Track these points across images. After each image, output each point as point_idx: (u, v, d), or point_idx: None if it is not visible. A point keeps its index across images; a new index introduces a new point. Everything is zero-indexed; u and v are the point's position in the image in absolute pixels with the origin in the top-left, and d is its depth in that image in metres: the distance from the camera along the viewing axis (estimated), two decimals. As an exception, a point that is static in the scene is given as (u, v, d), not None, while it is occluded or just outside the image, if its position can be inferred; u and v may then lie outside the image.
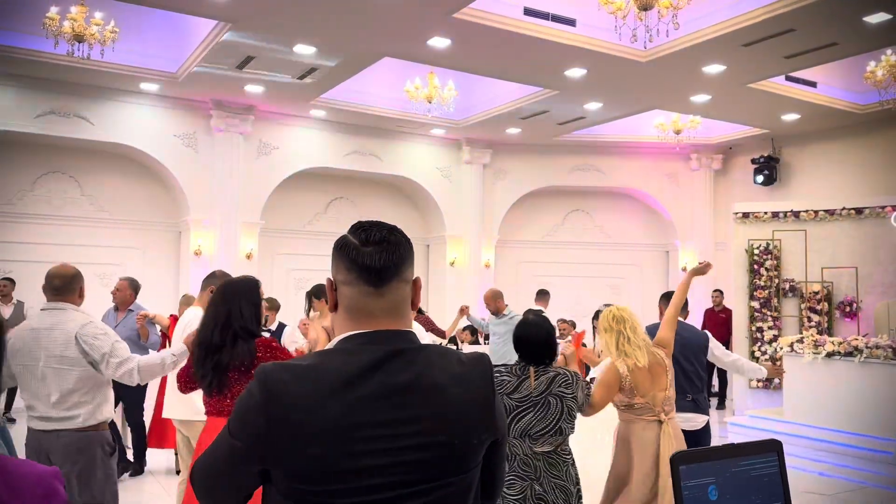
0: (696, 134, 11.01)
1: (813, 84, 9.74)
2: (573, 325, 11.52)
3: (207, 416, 3.38)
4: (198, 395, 3.60)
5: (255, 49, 8.17)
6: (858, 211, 10.08)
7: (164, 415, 5.17)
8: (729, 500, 1.64)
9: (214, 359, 3.23)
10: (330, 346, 1.41)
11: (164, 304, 10.36)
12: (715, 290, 11.42)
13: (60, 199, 10.22)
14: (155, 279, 10.66)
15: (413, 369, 1.37)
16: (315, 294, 6.69)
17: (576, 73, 8.66)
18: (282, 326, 6.71)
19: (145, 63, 9.14)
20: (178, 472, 6.16)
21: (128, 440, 6.71)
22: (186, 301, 7.13)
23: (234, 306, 3.31)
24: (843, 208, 10.16)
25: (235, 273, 10.27)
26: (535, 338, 3.40)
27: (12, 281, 8.89)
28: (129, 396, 6.30)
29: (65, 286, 3.50)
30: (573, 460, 3.40)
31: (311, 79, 9.13)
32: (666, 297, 4.67)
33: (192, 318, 4.31)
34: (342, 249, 1.43)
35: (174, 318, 6.38)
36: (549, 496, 3.25)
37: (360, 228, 1.45)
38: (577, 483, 3.40)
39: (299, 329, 6.52)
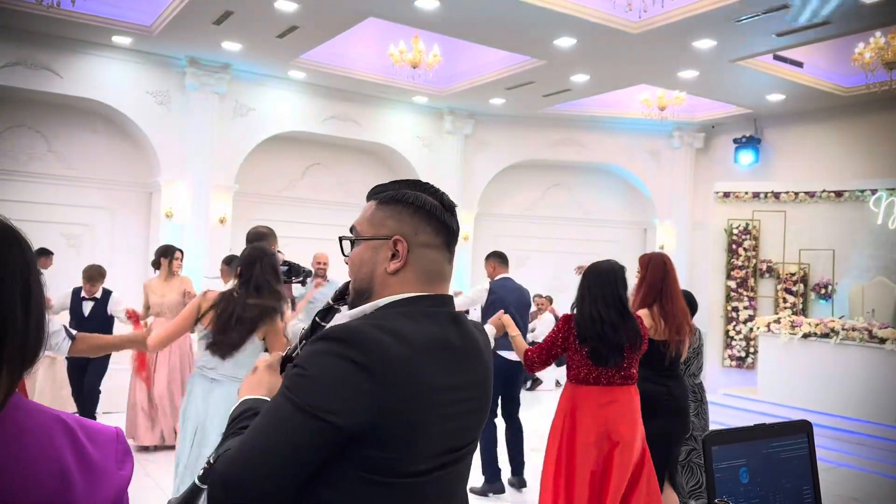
0: (680, 112, 10.93)
1: (800, 64, 9.68)
2: (550, 300, 11.50)
3: (612, 386, 3.57)
4: None
5: (235, 3, 7.85)
6: (838, 194, 10.11)
7: None
8: (760, 484, 1.53)
9: (616, 340, 3.52)
10: (386, 303, 1.34)
11: (133, 266, 10.10)
12: None
13: (26, 154, 9.81)
14: (124, 241, 10.37)
15: (468, 335, 1.40)
16: (163, 254, 6.55)
17: (565, 42, 8.48)
18: (107, 293, 6.47)
19: (118, 15, 8.75)
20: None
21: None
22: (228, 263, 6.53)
23: (612, 288, 3.57)
24: (824, 191, 10.19)
25: (211, 235, 9.95)
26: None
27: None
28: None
29: None
30: None
31: (291, 37, 8.83)
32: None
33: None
34: (429, 210, 1.39)
35: None
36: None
37: (429, 189, 1.43)
38: None
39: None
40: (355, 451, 1.20)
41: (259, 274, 3.58)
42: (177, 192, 10.13)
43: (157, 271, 6.59)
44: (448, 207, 1.43)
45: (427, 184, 1.45)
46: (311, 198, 11.92)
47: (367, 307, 1.35)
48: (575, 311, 3.66)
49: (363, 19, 8.23)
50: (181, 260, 6.66)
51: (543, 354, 3.63)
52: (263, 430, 1.19)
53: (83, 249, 10.03)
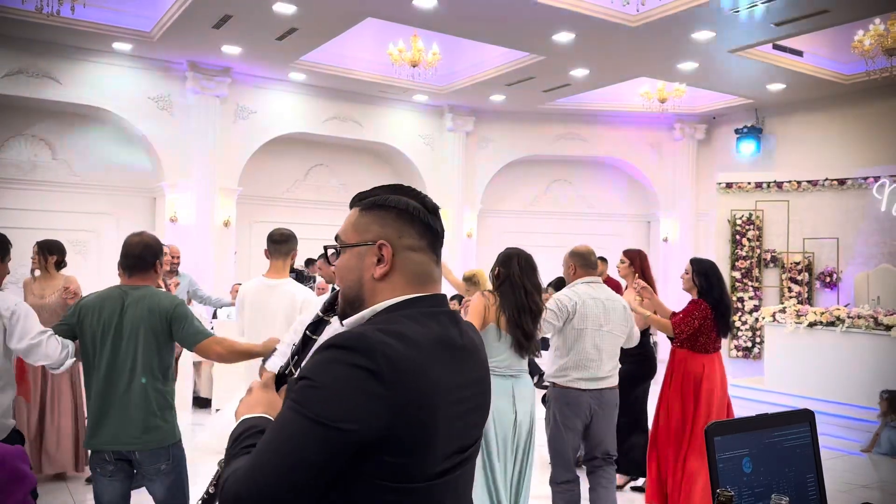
0: (681, 103, 10.92)
1: (799, 53, 9.66)
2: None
3: (718, 352, 4.66)
4: None
5: (233, 7, 7.88)
6: (841, 182, 10.11)
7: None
8: (763, 473, 1.56)
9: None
10: (383, 307, 1.32)
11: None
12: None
13: (30, 162, 9.87)
14: (130, 246, 10.41)
15: (466, 333, 1.38)
16: (49, 250, 5.36)
17: (564, 37, 8.48)
18: None
19: (118, 21, 8.79)
20: None
21: None
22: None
23: (721, 277, 4.75)
24: (826, 179, 10.19)
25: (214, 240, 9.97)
26: None
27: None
28: None
29: None
30: None
31: (290, 40, 8.85)
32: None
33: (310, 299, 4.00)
34: (412, 213, 1.37)
35: None
36: None
37: (411, 193, 1.41)
38: None
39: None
40: (371, 458, 1.18)
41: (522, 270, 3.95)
42: (181, 196, 10.17)
43: (38, 269, 5.44)
44: (431, 210, 1.41)
45: (409, 188, 1.43)
46: (314, 199, 11.95)
47: (364, 313, 1.34)
48: (704, 297, 4.58)
49: (361, 20, 8.25)
50: (34, 253, 5.39)
51: (686, 327, 4.53)
52: (275, 445, 1.17)
53: (89, 255, 10.09)
